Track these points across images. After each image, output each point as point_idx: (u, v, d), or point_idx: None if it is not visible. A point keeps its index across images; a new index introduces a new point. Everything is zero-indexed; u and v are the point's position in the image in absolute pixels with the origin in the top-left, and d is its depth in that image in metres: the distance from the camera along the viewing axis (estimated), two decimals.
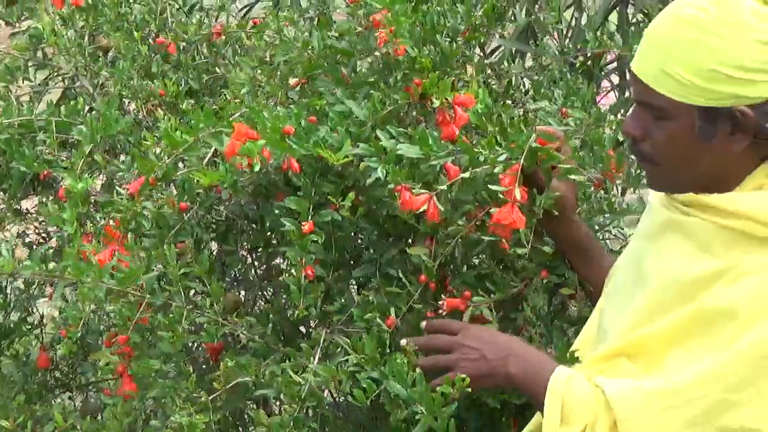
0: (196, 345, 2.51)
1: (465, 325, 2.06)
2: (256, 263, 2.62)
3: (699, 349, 1.76)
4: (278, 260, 2.57)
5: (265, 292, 2.69)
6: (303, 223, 2.14)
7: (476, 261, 2.26)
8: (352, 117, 2.23)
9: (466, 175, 2.07)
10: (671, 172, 1.85)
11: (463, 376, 1.92)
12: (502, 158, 2.07)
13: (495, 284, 2.21)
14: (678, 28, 1.77)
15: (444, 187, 2.06)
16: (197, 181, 2.12)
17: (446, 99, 2.18)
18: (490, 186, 2.07)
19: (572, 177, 2.09)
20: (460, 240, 2.16)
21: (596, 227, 2.37)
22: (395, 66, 2.29)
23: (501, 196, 2.04)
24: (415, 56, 2.25)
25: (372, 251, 2.32)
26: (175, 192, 2.25)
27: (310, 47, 2.37)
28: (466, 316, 2.14)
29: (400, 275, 2.17)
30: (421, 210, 2.04)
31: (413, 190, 2.06)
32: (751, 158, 1.81)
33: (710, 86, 1.74)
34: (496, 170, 2.06)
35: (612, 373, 1.85)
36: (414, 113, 2.30)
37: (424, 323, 2.11)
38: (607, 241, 2.61)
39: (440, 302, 2.17)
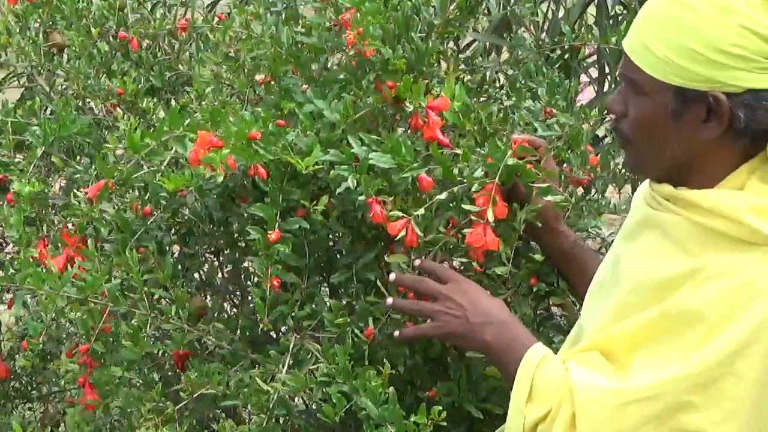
0: (162, 352, 2.42)
1: (457, 278, 2.02)
2: (222, 267, 2.53)
3: (664, 352, 1.73)
4: (247, 263, 2.48)
5: (233, 297, 2.59)
6: (269, 232, 2.06)
7: (459, 267, 2.19)
8: (323, 119, 2.16)
9: (442, 196, 2.04)
10: (641, 153, 1.82)
11: (439, 408, 1.90)
12: (478, 173, 2.03)
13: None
14: (666, 4, 1.74)
15: (422, 211, 2.03)
16: (162, 185, 2.04)
17: (419, 104, 2.11)
18: (463, 206, 2.04)
19: (552, 199, 2.06)
20: (442, 245, 2.10)
21: (586, 230, 2.31)
22: (368, 66, 2.21)
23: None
24: (388, 57, 2.17)
25: (347, 256, 2.24)
26: (137, 194, 2.16)
27: (277, 43, 2.28)
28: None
29: (379, 284, 2.11)
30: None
31: (387, 207, 2.03)
32: (732, 153, 1.76)
33: (687, 65, 1.70)
34: (473, 188, 2.03)
35: (584, 361, 1.82)
36: (390, 113, 2.23)
37: (417, 261, 2.07)
38: (590, 242, 2.54)
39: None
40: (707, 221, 1.74)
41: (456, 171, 2.06)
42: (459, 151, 2.10)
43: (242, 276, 2.55)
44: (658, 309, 1.74)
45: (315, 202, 2.09)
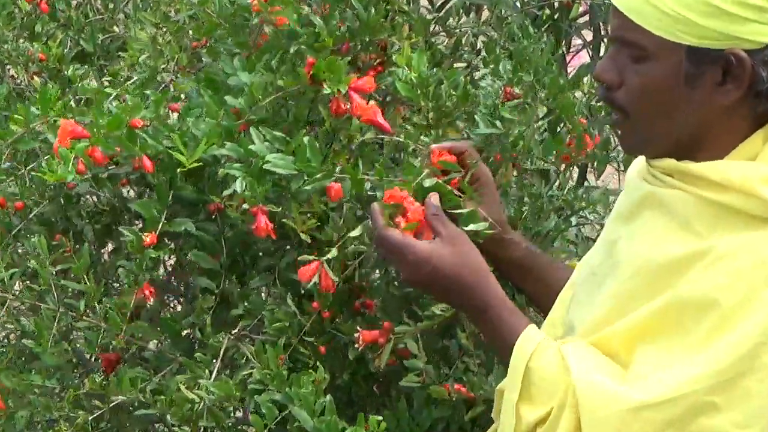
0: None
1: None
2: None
3: (674, 346, 1.58)
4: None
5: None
6: (145, 234, 1.86)
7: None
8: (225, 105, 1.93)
9: (356, 232, 1.82)
10: (645, 126, 1.65)
11: (379, 419, 1.76)
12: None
13: (423, 308, 1.95)
14: None
15: (334, 252, 1.80)
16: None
17: (338, 90, 1.87)
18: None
19: (474, 227, 1.80)
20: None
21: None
22: (293, 37, 1.95)
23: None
24: (318, 30, 1.93)
25: (268, 257, 2.04)
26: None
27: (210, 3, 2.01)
28: (386, 351, 1.88)
29: (290, 301, 1.92)
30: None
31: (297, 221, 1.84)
32: (745, 120, 1.62)
33: (703, 22, 1.56)
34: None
35: (582, 354, 1.65)
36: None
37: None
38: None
39: (355, 334, 1.90)
40: (716, 196, 1.59)
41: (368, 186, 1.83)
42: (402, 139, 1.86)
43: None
44: (663, 297, 1.59)
45: (230, 196, 1.86)
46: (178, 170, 1.87)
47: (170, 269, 2.28)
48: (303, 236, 1.83)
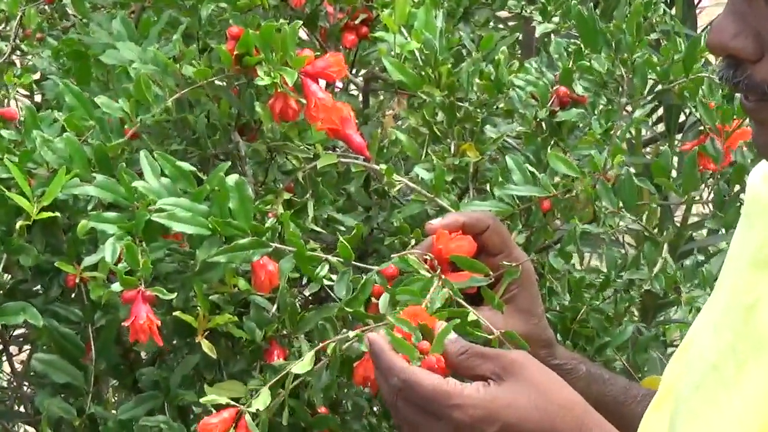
0: None
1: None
2: None
3: None
4: None
5: None
6: None
7: None
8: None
9: (305, 366, 1.10)
10: None
11: None
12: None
13: None
14: None
15: (266, 398, 1.10)
16: None
17: (282, 76, 1.17)
18: None
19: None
20: None
21: None
22: None
23: None
24: None
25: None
26: None
27: None
28: None
29: None
30: None
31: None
32: None
33: None
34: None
35: None
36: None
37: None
38: None
39: None
40: None
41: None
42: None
43: None
44: None
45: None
46: (19, 224, 1.18)
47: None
48: (205, 346, 1.10)
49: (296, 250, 1.06)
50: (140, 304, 1.11)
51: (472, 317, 1.04)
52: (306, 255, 1.06)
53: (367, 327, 1.05)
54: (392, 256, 1.09)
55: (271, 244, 1.08)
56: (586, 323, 1.28)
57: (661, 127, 2.45)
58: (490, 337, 1.04)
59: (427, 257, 1.10)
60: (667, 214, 2.36)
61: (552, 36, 1.31)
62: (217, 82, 1.21)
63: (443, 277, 1.06)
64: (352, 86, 1.50)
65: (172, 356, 1.26)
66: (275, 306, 1.17)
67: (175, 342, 1.26)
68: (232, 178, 1.11)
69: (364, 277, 1.06)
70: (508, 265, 1.06)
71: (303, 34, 1.31)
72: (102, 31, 1.25)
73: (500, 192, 1.17)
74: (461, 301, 1.05)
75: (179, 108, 1.21)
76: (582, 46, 1.24)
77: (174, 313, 1.12)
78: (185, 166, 1.13)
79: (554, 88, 1.26)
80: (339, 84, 1.45)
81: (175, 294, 1.12)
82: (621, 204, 1.21)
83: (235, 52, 1.17)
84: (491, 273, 1.06)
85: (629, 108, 1.27)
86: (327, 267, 1.07)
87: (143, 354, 1.30)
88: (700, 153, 1.29)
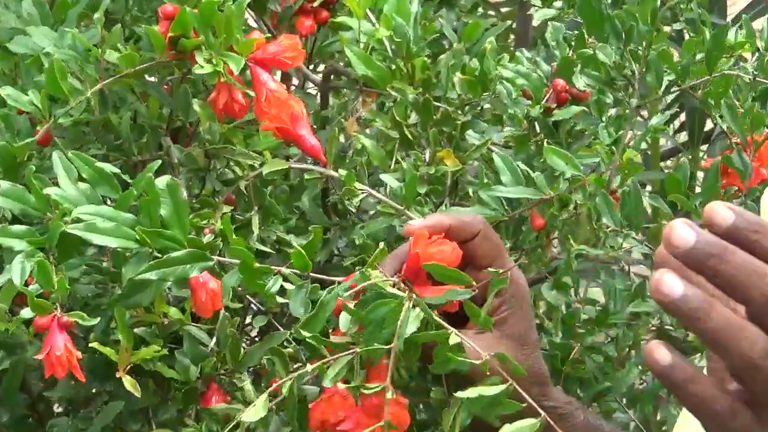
0: None
1: None
2: None
3: None
4: None
5: None
6: None
7: None
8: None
9: (258, 412, 0.88)
10: None
11: None
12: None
13: None
14: None
15: None
16: None
17: (226, 64, 0.98)
18: None
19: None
20: None
21: None
22: None
23: None
24: None
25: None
26: None
27: None
28: None
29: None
30: None
31: None
32: None
33: None
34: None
35: None
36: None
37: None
38: None
39: None
40: None
41: None
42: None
43: None
44: None
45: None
46: None
47: None
48: (128, 384, 0.89)
49: (242, 259, 0.86)
50: (56, 333, 0.91)
51: (454, 340, 0.84)
52: (254, 267, 0.86)
53: (327, 359, 0.86)
54: (356, 268, 0.89)
55: (212, 257, 0.88)
56: (581, 365, 1.08)
57: (684, 137, 2.19)
58: (477, 362, 0.84)
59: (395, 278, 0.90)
60: None
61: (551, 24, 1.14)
62: (146, 77, 1.02)
63: (415, 293, 0.86)
64: (308, 83, 1.30)
65: (90, 404, 1.04)
66: (214, 338, 0.97)
67: (94, 389, 1.06)
68: (162, 181, 0.91)
69: (324, 292, 0.86)
70: (495, 272, 0.86)
71: (250, 20, 1.13)
72: (9, 14, 1.03)
73: (486, 194, 0.97)
74: (440, 321, 0.85)
75: (101, 106, 1.01)
76: (585, 32, 1.06)
77: (90, 344, 0.92)
78: (107, 167, 0.94)
79: (550, 82, 1.07)
80: (295, 81, 1.26)
81: (97, 319, 0.92)
82: (625, 221, 1.02)
83: (170, 35, 0.97)
84: (475, 284, 0.86)
85: (645, 113, 1.08)
86: (280, 281, 0.87)
87: (55, 403, 1.09)
88: (724, 165, 1.10)
